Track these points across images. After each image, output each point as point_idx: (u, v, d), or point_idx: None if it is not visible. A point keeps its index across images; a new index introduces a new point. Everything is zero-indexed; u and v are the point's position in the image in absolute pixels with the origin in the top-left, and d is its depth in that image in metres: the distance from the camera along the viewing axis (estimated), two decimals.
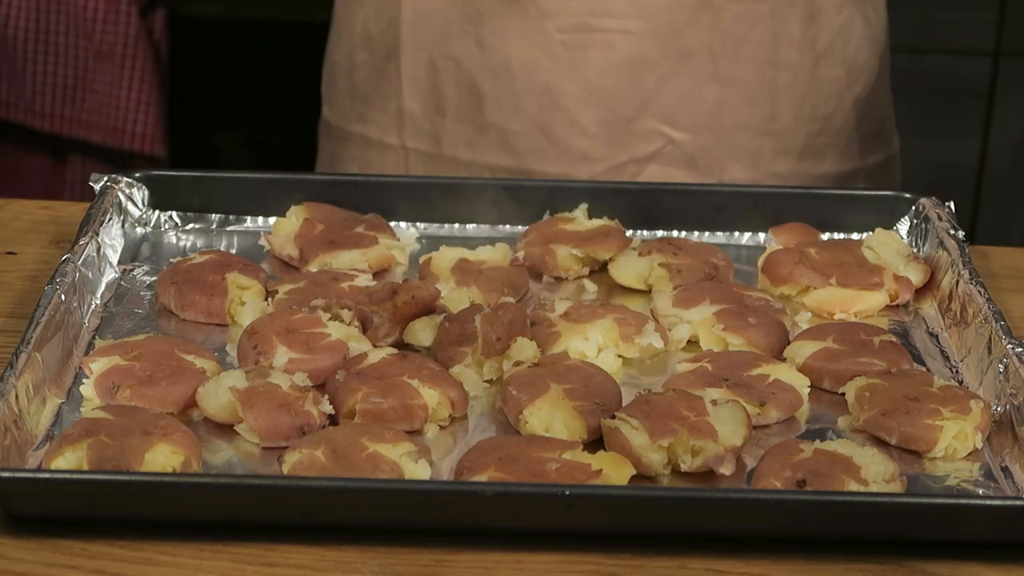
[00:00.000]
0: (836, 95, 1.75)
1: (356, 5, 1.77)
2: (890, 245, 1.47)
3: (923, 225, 1.52)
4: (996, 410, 1.27)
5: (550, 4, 1.62)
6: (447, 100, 1.71)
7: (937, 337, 1.41)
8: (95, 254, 1.42)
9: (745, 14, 1.67)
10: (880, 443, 1.25)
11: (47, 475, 1.14)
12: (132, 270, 1.47)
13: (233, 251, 1.51)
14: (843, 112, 1.76)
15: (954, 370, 1.36)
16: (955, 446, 1.24)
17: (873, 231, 1.51)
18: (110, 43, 2.65)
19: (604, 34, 1.64)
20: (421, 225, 1.55)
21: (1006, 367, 1.28)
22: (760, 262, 1.48)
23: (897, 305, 1.45)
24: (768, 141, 1.72)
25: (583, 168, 1.70)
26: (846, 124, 1.76)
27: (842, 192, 1.58)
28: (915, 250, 1.51)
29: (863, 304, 1.43)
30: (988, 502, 1.16)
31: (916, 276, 1.45)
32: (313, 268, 1.47)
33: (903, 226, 1.54)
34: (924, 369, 1.35)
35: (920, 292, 1.46)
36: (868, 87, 1.79)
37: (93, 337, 1.36)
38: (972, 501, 1.17)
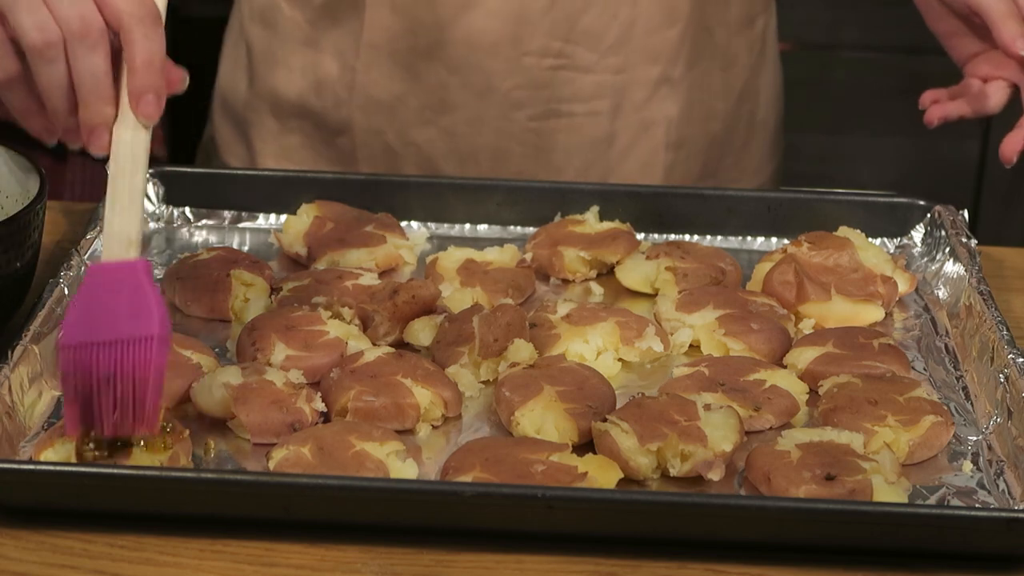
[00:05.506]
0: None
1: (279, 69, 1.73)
2: (874, 253, 1.45)
3: (937, 232, 1.50)
4: (996, 420, 1.26)
5: (520, 95, 1.63)
6: None
7: (946, 344, 1.39)
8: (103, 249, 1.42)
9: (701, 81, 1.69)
10: None
11: (31, 466, 1.15)
12: None
13: (245, 248, 1.52)
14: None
15: (958, 377, 1.34)
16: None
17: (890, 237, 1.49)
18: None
19: (571, 118, 1.65)
20: (432, 225, 1.55)
21: (1007, 377, 1.26)
22: (759, 279, 1.46)
23: (907, 313, 1.44)
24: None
25: None
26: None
27: (856, 198, 1.56)
28: (929, 257, 1.49)
29: (860, 321, 1.41)
30: (983, 513, 1.14)
31: (903, 284, 1.44)
32: (321, 266, 1.46)
33: (917, 233, 1.53)
34: (925, 375, 1.34)
35: (930, 300, 1.45)
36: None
37: None
38: (968, 512, 1.14)
